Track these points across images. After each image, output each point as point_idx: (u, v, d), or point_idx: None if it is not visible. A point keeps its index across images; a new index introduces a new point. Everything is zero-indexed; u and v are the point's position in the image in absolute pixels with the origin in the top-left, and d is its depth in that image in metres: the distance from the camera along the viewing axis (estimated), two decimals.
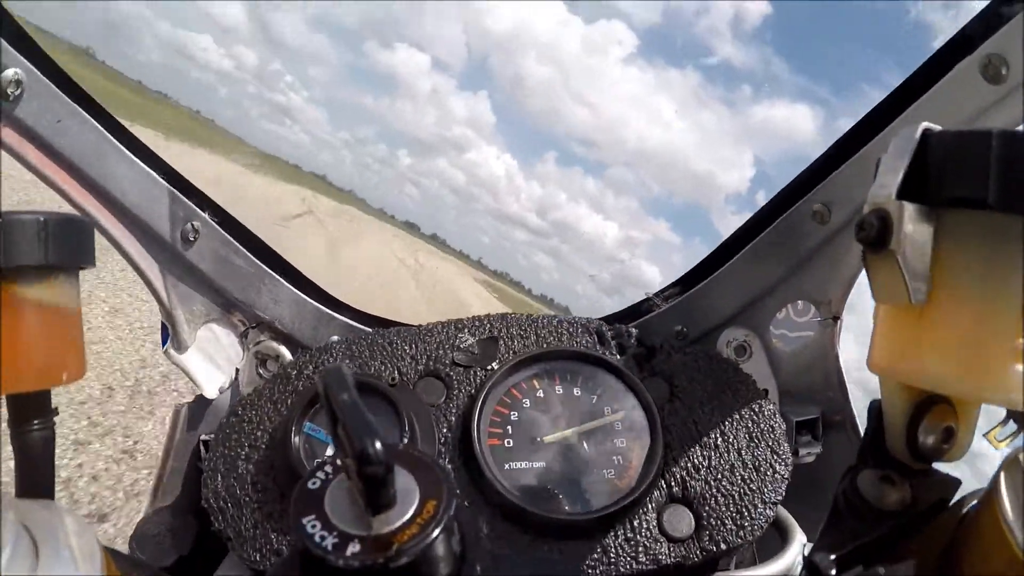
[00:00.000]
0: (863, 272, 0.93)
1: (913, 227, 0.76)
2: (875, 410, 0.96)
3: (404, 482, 0.60)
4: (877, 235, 0.78)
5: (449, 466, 1.35)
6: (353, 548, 0.56)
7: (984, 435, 0.94)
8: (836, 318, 1.49)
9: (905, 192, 0.77)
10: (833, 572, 0.89)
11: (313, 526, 0.58)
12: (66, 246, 0.81)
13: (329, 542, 0.56)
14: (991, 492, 0.75)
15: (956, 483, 0.95)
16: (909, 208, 0.76)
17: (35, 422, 0.81)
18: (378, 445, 0.54)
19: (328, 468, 0.63)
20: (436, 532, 0.57)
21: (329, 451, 1.35)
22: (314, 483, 0.62)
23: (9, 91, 1.07)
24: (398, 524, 0.57)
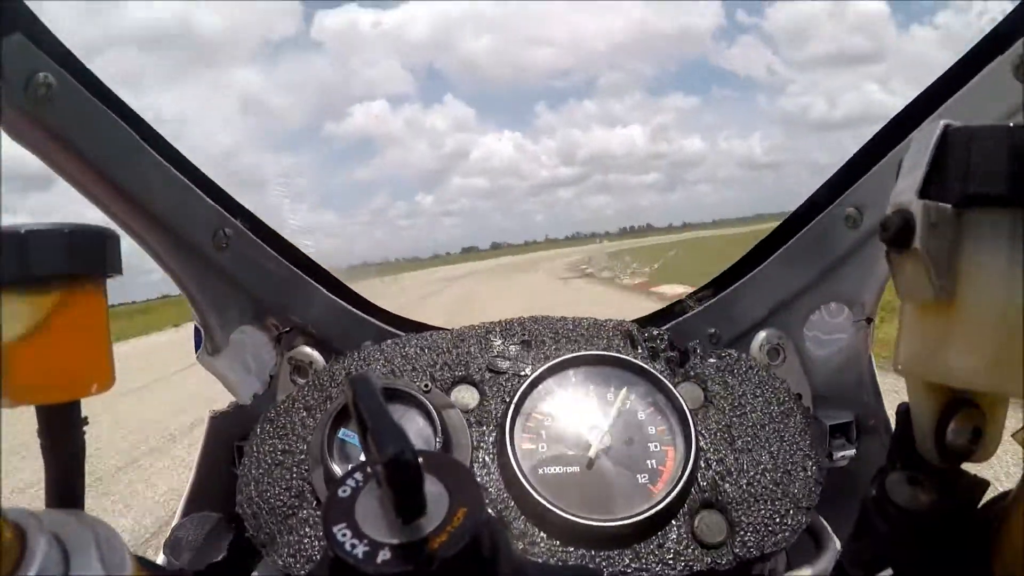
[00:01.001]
0: None
1: (936, 225, 0.76)
2: (903, 412, 0.96)
3: (434, 489, 0.60)
4: (900, 234, 0.77)
5: (483, 472, 1.35)
6: (384, 556, 0.56)
7: (1012, 435, 0.93)
8: (869, 320, 1.48)
9: (927, 191, 0.77)
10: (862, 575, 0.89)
11: (344, 534, 0.58)
12: (91, 256, 0.81)
13: (360, 550, 0.56)
14: (1020, 493, 0.75)
15: (985, 484, 0.95)
16: (931, 207, 0.76)
17: (65, 433, 0.82)
18: (407, 452, 0.54)
19: (358, 476, 0.64)
20: (466, 540, 0.57)
21: (363, 457, 1.36)
22: (344, 491, 0.62)
23: (39, 94, 1.08)
24: (428, 531, 0.57)
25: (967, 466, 0.92)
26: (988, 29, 1.25)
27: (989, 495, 0.91)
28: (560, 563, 1.26)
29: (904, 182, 0.79)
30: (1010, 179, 0.71)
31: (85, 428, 0.83)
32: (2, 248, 0.73)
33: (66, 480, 0.82)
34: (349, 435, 1.38)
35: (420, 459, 0.57)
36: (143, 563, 0.59)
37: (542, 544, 1.29)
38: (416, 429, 1.36)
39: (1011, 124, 0.71)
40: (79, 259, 0.80)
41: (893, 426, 0.97)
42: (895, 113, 1.38)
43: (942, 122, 0.78)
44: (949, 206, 0.76)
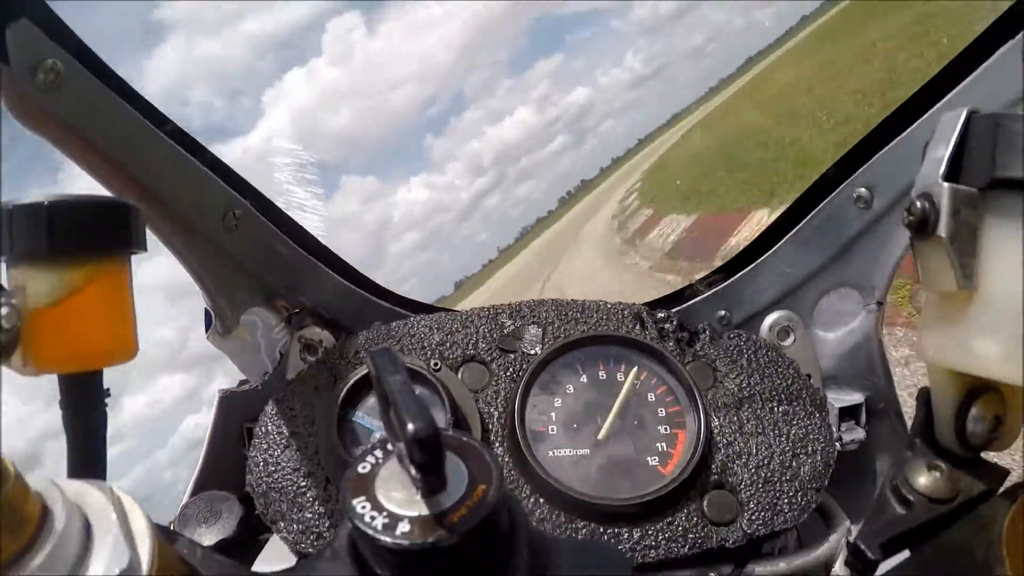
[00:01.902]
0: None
1: (960, 211, 0.76)
2: (924, 398, 0.96)
3: (454, 466, 0.60)
4: (924, 220, 0.77)
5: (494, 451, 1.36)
6: (403, 528, 0.56)
7: None
8: (880, 303, 1.48)
9: (952, 176, 0.77)
10: (878, 557, 0.89)
11: (363, 507, 0.58)
12: (116, 230, 0.82)
13: (379, 522, 0.56)
14: None
15: (1004, 472, 0.95)
16: (956, 191, 0.76)
17: (87, 403, 0.82)
18: (431, 428, 0.54)
19: (378, 453, 0.64)
20: (486, 514, 0.57)
21: (373, 436, 1.36)
22: (364, 467, 0.62)
23: (47, 80, 1.07)
24: (448, 506, 0.57)
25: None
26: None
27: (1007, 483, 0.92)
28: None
29: (928, 167, 0.79)
30: None
31: (107, 399, 0.84)
32: (29, 220, 0.74)
33: (88, 450, 0.82)
34: (358, 418, 1.38)
35: (442, 436, 0.57)
36: (164, 533, 0.59)
37: (550, 522, 1.29)
38: None
39: None
40: (104, 233, 0.80)
41: (909, 411, 0.97)
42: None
43: (967, 108, 0.78)
44: (974, 190, 0.75)
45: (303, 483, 1.33)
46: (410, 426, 0.54)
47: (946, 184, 0.76)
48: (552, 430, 1.38)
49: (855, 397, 1.53)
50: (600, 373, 1.46)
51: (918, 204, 0.78)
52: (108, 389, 0.84)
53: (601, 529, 1.29)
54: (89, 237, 0.78)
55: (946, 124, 0.79)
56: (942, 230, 0.76)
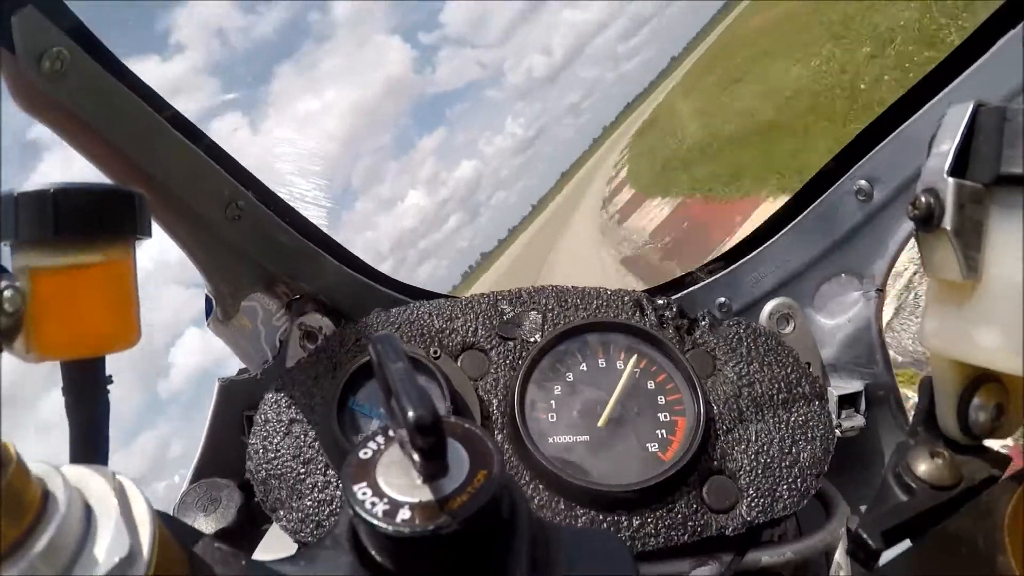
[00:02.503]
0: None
1: (965, 204, 0.76)
2: (927, 386, 0.96)
3: (455, 452, 0.61)
4: (929, 213, 0.78)
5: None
6: (404, 515, 0.56)
7: None
8: (880, 291, 1.48)
9: (957, 170, 0.77)
10: (880, 546, 0.89)
11: (364, 493, 0.58)
12: (120, 216, 0.81)
13: (380, 508, 0.56)
14: None
15: (1007, 460, 0.95)
16: (961, 185, 0.76)
17: (90, 390, 0.82)
18: (433, 414, 0.54)
19: (380, 439, 0.64)
20: (487, 501, 0.57)
21: (373, 424, 1.36)
22: (365, 453, 0.62)
23: (53, 68, 1.07)
24: (448, 492, 0.57)
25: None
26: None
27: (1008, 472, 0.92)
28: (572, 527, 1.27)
29: (934, 161, 0.79)
30: None
31: (110, 386, 0.84)
32: (33, 206, 0.74)
33: (90, 436, 0.82)
34: (358, 405, 1.39)
35: (444, 422, 0.57)
36: (165, 519, 0.59)
37: (550, 508, 1.29)
38: None
39: None
40: (109, 219, 0.80)
41: (912, 399, 0.97)
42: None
43: (973, 101, 0.78)
44: (980, 185, 0.76)
45: (302, 470, 1.33)
46: (411, 412, 0.54)
47: (951, 179, 0.76)
48: (552, 417, 1.38)
49: (855, 385, 1.54)
50: (600, 360, 1.46)
51: (923, 199, 0.78)
52: (110, 375, 0.84)
53: (601, 516, 1.29)
54: (94, 223, 0.78)
55: (952, 117, 0.79)
56: (947, 223, 0.76)
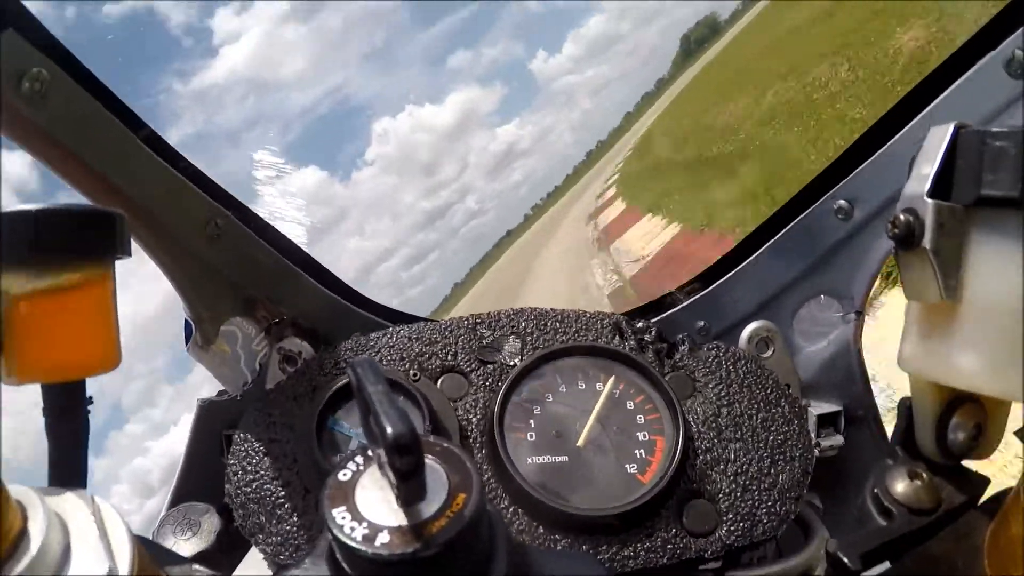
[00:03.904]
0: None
1: (945, 226, 0.77)
2: (905, 408, 0.96)
3: (434, 475, 0.61)
4: (909, 233, 0.78)
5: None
6: (383, 539, 0.56)
7: (1015, 433, 0.94)
8: (859, 313, 1.49)
9: (938, 192, 0.77)
10: (858, 567, 0.89)
11: (343, 517, 0.58)
12: (99, 237, 0.82)
13: (359, 532, 0.57)
14: (1020, 489, 0.75)
15: (985, 481, 0.95)
16: (941, 207, 0.77)
17: (69, 412, 0.82)
18: (410, 434, 0.54)
19: (359, 459, 0.64)
20: (465, 524, 0.57)
21: (353, 444, 1.36)
22: (344, 474, 0.62)
23: (33, 90, 1.07)
24: (428, 515, 0.57)
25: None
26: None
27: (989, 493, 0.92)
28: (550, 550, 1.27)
29: (914, 182, 0.80)
30: (1020, 182, 0.71)
31: (89, 408, 0.84)
32: (13, 228, 0.74)
33: (69, 459, 0.82)
34: (337, 424, 1.38)
35: (422, 444, 0.57)
36: (144, 543, 0.59)
37: (528, 532, 1.29)
38: None
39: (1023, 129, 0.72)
40: (89, 240, 0.80)
41: (888, 419, 0.98)
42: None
43: (953, 123, 0.78)
44: (959, 206, 0.76)
45: (281, 493, 1.33)
46: (389, 430, 0.54)
47: (931, 201, 0.77)
48: (531, 437, 1.38)
49: (833, 405, 1.54)
50: (579, 383, 1.46)
51: (903, 217, 0.79)
52: (91, 397, 0.84)
53: (580, 539, 1.29)
54: (74, 244, 0.78)
55: (933, 139, 0.80)
56: (927, 243, 0.77)
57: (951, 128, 0.78)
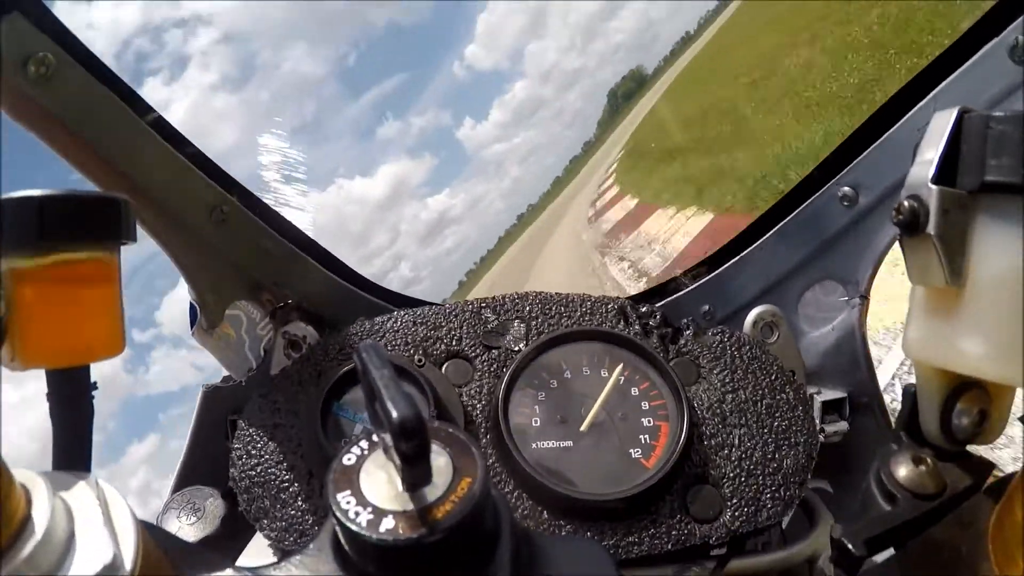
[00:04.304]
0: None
1: (949, 211, 0.76)
2: (910, 393, 0.96)
3: (439, 459, 0.61)
4: (913, 219, 0.78)
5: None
6: (387, 524, 0.56)
7: (1019, 419, 0.94)
8: (864, 298, 1.49)
9: (942, 178, 0.77)
10: (863, 553, 0.89)
11: (348, 502, 0.58)
12: (104, 223, 0.81)
13: (363, 518, 0.56)
14: (1023, 475, 0.75)
15: (990, 467, 0.95)
16: (946, 192, 0.76)
17: (74, 397, 0.82)
18: (416, 418, 0.54)
19: (364, 444, 0.64)
20: (470, 509, 0.57)
21: (357, 429, 1.37)
22: (349, 459, 0.62)
23: (38, 74, 1.07)
24: (432, 500, 0.57)
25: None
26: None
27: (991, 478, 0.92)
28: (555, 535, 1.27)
29: (918, 168, 0.80)
30: None
31: (94, 393, 0.84)
32: (18, 212, 0.74)
33: (74, 444, 0.82)
34: (342, 409, 1.39)
35: (428, 429, 0.57)
36: (148, 528, 0.59)
37: (533, 517, 1.30)
38: None
39: None
40: (94, 226, 0.80)
41: (893, 405, 0.98)
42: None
43: (957, 108, 0.78)
44: (964, 192, 0.76)
45: (286, 477, 1.33)
46: (395, 413, 0.54)
47: (936, 187, 0.77)
48: (535, 422, 1.38)
49: (838, 391, 1.54)
50: (584, 368, 1.46)
51: (907, 204, 0.79)
52: (95, 382, 0.84)
53: (585, 524, 1.29)
54: (80, 230, 0.78)
55: (937, 124, 0.80)
56: (931, 228, 0.77)
57: (955, 113, 0.78)
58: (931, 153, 0.78)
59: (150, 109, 1.27)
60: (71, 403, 0.82)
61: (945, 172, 0.77)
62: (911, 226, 0.78)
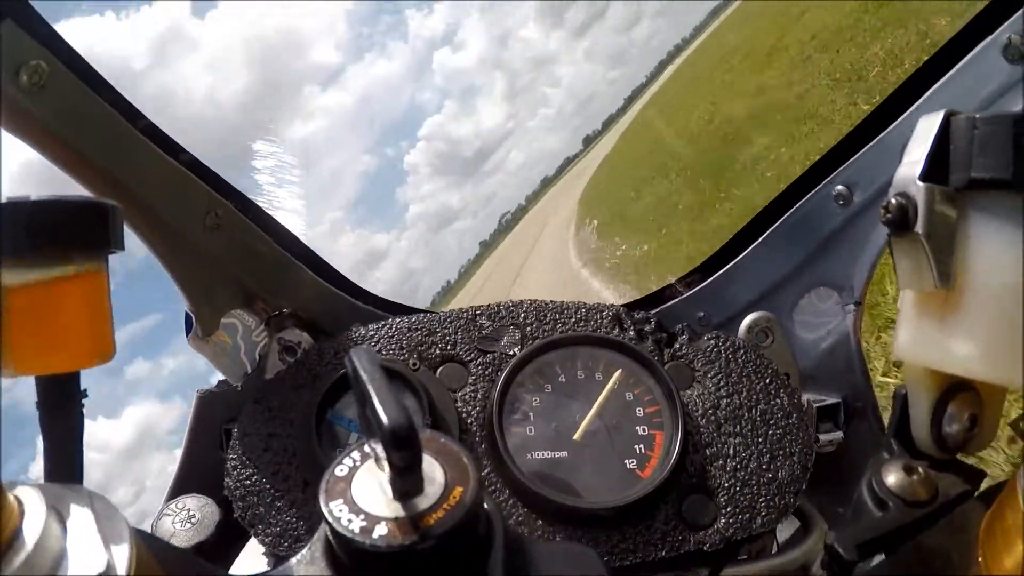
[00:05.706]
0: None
1: (938, 210, 0.77)
2: (901, 398, 0.97)
3: (431, 468, 0.61)
4: (902, 217, 0.79)
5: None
6: (380, 531, 0.56)
7: (1009, 424, 0.94)
8: (858, 303, 1.49)
9: (930, 176, 0.78)
10: (854, 558, 0.89)
11: (341, 510, 0.58)
12: (94, 229, 0.82)
13: (356, 524, 0.57)
14: (1014, 483, 0.75)
15: (981, 474, 0.96)
16: (933, 191, 0.77)
17: (64, 405, 0.82)
18: (407, 426, 0.54)
19: (356, 454, 0.64)
20: (461, 518, 0.57)
21: (352, 436, 1.37)
22: (342, 469, 0.63)
23: (31, 82, 1.07)
24: (424, 508, 0.57)
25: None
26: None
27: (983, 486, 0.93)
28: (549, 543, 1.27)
29: (906, 168, 0.81)
30: (1014, 165, 0.72)
31: (84, 401, 0.83)
32: (8, 219, 0.74)
33: (65, 453, 0.82)
34: (337, 416, 1.39)
35: (419, 437, 0.57)
36: (142, 535, 0.59)
37: (527, 524, 1.30)
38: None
39: (1013, 112, 0.73)
40: (84, 232, 0.80)
41: (885, 410, 0.98)
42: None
43: (944, 109, 0.79)
44: (952, 189, 0.77)
45: (281, 485, 1.33)
46: (386, 421, 0.54)
47: (923, 184, 0.77)
48: (530, 431, 1.38)
49: (833, 397, 1.55)
50: (579, 374, 1.46)
51: (895, 201, 0.79)
52: (85, 390, 0.84)
53: (579, 533, 1.29)
54: (69, 236, 0.79)
55: (924, 126, 0.81)
56: (919, 227, 0.77)
57: (941, 115, 0.79)
58: (918, 153, 0.79)
59: (141, 115, 1.27)
60: (61, 412, 0.82)
61: (933, 172, 0.78)
62: (900, 224, 0.79)
